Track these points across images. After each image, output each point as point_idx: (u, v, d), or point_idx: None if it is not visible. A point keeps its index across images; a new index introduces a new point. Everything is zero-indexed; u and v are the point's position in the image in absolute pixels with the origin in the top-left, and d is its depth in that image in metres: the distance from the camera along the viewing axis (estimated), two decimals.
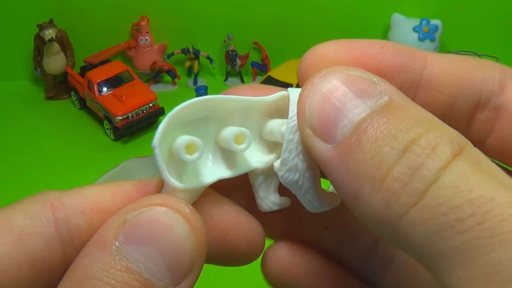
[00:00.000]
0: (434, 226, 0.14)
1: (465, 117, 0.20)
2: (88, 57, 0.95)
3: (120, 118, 0.83)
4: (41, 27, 0.90)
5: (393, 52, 0.20)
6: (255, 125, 0.21)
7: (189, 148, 0.18)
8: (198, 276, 0.18)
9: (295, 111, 0.19)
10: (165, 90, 0.98)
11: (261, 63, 0.99)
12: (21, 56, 0.99)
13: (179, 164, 0.19)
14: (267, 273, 0.23)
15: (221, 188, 0.21)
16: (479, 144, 0.20)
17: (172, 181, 0.18)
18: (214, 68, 1.00)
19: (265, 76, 0.92)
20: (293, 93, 0.20)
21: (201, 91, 0.87)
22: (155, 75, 0.99)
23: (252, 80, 1.00)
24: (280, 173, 0.20)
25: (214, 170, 0.20)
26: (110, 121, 0.84)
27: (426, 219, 0.15)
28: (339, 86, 0.17)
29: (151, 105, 0.85)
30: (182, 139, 0.18)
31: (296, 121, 0.19)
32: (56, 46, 0.92)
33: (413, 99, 0.19)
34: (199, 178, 0.20)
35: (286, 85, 0.87)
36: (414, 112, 0.16)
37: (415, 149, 0.15)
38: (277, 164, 0.20)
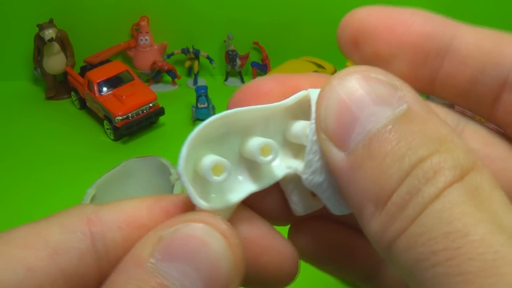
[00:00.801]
0: (415, 255, 0.14)
1: (490, 95, 0.19)
2: (88, 57, 0.95)
3: (120, 118, 0.83)
4: (41, 27, 0.90)
5: (423, 19, 0.19)
6: (279, 130, 0.20)
7: (216, 169, 0.18)
8: None
9: None
10: (165, 90, 0.98)
11: (261, 63, 0.99)
12: (21, 56, 0.99)
13: (206, 183, 0.19)
14: (296, 244, 0.23)
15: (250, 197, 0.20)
16: (506, 126, 0.20)
17: (202, 203, 0.18)
18: (214, 68, 1.00)
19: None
20: (314, 93, 0.19)
21: (201, 91, 0.87)
22: (155, 75, 0.99)
23: None
24: (304, 176, 0.19)
25: (242, 186, 0.20)
26: (110, 121, 0.84)
27: (410, 247, 0.14)
28: (357, 90, 0.16)
29: (151, 105, 0.85)
30: (208, 161, 0.18)
31: None
32: (56, 46, 0.92)
33: (438, 69, 0.19)
34: (228, 195, 0.19)
35: None
36: (429, 126, 0.16)
37: (418, 172, 0.15)
38: (300, 167, 0.19)
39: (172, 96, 0.96)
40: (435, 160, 0.15)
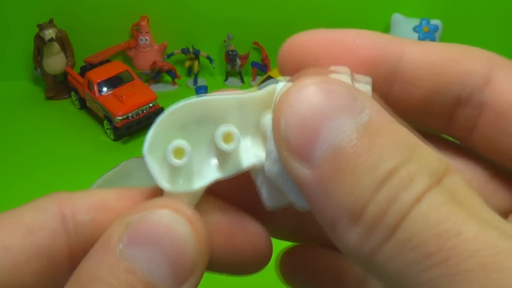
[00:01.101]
0: (405, 261, 0.14)
1: (445, 113, 0.19)
2: (88, 57, 0.95)
3: (120, 118, 0.83)
4: (41, 27, 0.90)
5: (366, 44, 0.19)
6: (253, 120, 0.20)
7: (178, 152, 0.18)
8: (201, 277, 0.18)
9: None
10: (165, 90, 0.98)
11: (261, 63, 0.99)
12: (21, 56, 0.99)
13: (175, 168, 0.19)
14: (285, 276, 0.24)
15: (227, 190, 0.20)
16: (462, 139, 0.20)
17: (165, 185, 0.18)
18: (214, 68, 1.00)
19: (265, 76, 0.91)
20: (281, 85, 0.19)
21: (201, 91, 0.87)
22: (155, 75, 0.99)
23: (252, 80, 1.00)
24: (265, 167, 0.19)
25: (210, 173, 0.20)
26: (110, 121, 0.84)
27: (398, 253, 0.14)
28: (316, 103, 0.16)
29: (151, 105, 0.85)
30: (171, 145, 0.18)
31: None
32: (56, 46, 0.92)
33: (388, 93, 0.19)
34: (195, 181, 0.19)
35: None
36: (396, 136, 0.16)
37: (393, 181, 0.15)
38: (263, 157, 0.19)
39: (172, 96, 0.96)
40: (410, 168, 0.15)
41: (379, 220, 0.15)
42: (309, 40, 0.19)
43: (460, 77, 0.18)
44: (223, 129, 0.19)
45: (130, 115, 0.83)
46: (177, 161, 0.18)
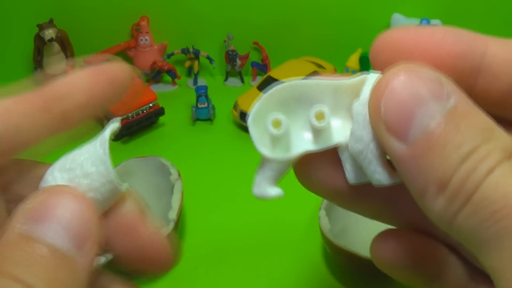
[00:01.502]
0: (478, 218, 0.17)
1: None
2: (88, 57, 0.95)
3: (120, 118, 0.82)
4: (41, 27, 0.90)
5: (453, 39, 0.21)
6: (344, 104, 0.23)
7: (276, 123, 0.21)
8: (97, 242, 0.21)
9: (367, 90, 0.21)
10: (165, 90, 0.98)
11: (261, 63, 0.99)
12: (21, 56, 0.99)
13: (274, 138, 0.22)
14: (378, 261, 0.25)
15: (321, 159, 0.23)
16: None
17: (263, 150, 0.21)
18: (214, 68, 1.00)
19: (265, 76, 0.91)
20: (372, 77, 0.22)
21: (201, 91, 0.87)
22: (155, 75, 0.99)
23: (252, 80, 1.00)
24: (349, 143, 0.22)
25: (302, 144, 0.22)
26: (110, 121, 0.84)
27: (473, 213, 0.18)
28: (412, 87, 0.19)
29: (151, 105, 0.85)
30: (270, 116, 0.21)
31: (366, 98, 0.21)
32: (56, 46, 0.92)
33: (473, 85, 0.22)
34: (289, 150, 0.22)
35: None
36: (477, 119, 0.19)
37: (473, 156, 0.18)
38: (347, 135, 0.22)
39: (172, 96, 0.96)
40: (488, 146, 0.18)
41: (460, 187, 0.18)
42: (400, 36, 0.22)
43: None
44: (316, 108, 0.22)
45: (130, 115, 0.83)
46: (274, 131, 0.21)
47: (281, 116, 0.21)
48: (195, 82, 0.99)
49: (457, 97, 0.19)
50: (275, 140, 0.22)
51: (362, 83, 0.22)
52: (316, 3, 0.97)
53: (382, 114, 0.19)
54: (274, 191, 0.22)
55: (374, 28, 1.00)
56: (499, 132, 0.19)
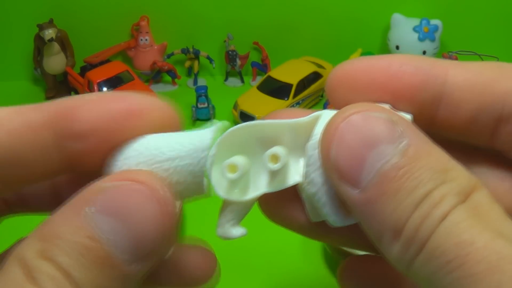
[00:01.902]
0: (433, 267, 0.17)
1: (488, 130, 0.20)
2: (88, 57, 0.95)
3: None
4: (41, 27, 0.90)
5: (412, 70, 0.20)
6: (302, 142, 0.22)
7: (232, 168, 0.21)
8: (160, 258, 0.19)
9: (319, 130, 0.20)
10: (165, 90, 0.98)
11: (261, 63, 0.99)
12: (21, 56, 0.99)
13: (231, 181, 0.21)
14: (344, 284, 0.25)
15: (287, 198, 0.22)
16: (505, 152, 0.21)
17: (220, 192, 0.21)
18: (214, 68, 1.00)
19: (265, 76, 0.91)
20: (326, 114, 0.21)
21: (201, 91, 0.87)
22: (155, 75, 0.99)
23: (252, 80, 1.00)
24: (302, 186, 0.21)
25: (260, 186, 0.22)
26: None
27: (428, 261, 0.17)
28: (362, 132, 0.18)
29: None
30: (227, 161, 0.21)
31: (317, 138, 0.20)
32: (56, 46, 0.92)
33: (435, 115, 0.21)
34: (248, 192, 0.22)
35: (286, 85, 0.87)
36: (432, 160, 0.18)
37: (427, 201, 0.17)
38: (301, 177, 0.21)
39: (172, 96, 0.96)
40: (442, 189, 0.17)
41: (414, 235, 0.17)
42: (355, 70, 0.21)
43: (501, 95, 0.20)
44: (270, 150, 0.21)
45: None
46: (230, 175, 0.21)
47: (239, 159, 0.21)
48: (195, 82, 0.99)
49: (410, 137, 0.18)
50: (233, 183, 0.21)
51: (314, 121, 0.21)
52: (316, 3, 0.97)
53: (332, 160, 0.19)
54: (237, 231, 0.21)
55: (374, 28, 1.00)
56: (456, 171, 0.18)
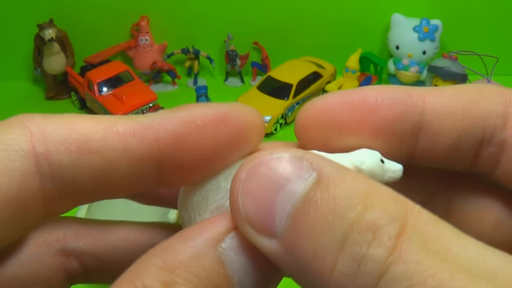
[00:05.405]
0: None
1: (469, 155, 0.20)
2: (88, 57, 0.95)
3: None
4: (41, 27, 0.90)
5: (388, 102, 0.19)
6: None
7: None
8: None
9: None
10: (165, 90, 0.98)
11: (261, 63, 0.99)
12: (21, 56, 0.99)
13: None
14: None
15: None
16: (486, 175, 0.20)
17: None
18: (214, 68, 1.00)
19: (265, 76, 0.91)
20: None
21: (201, 91, 0.87)
22: (155, 75, 0.99)
23: (252, 80, 1.00)
24: None
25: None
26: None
27: None
28: (266, 177, 0.16)
29: (151, 105, 0.85)
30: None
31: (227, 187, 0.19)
32: (56, 46, 0.92)
33: (415, 146, 0.19)
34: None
35: (286, 85, 0.87)
36: (346, 186, 0.15)
37: (355, 237, 0.14)
38: None
39: (172, 96, 0.96)
40: (368, 218, 0.14)
41: (351, 280, 0.14)
42: (330, 106, 0.19)
43: (481, 120, 0.19)
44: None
45: (130, 115, 0.83)
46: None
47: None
48: (195, 82, 0.99)
49: (319, 168, 0.16)
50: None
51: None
52: (316, 3, 0.97)
53: (242, 214, 0.16)
54: None
55: (374, 28, 1.00)
56: (377, 192, 0.15)
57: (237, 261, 0.16)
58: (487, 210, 0.20)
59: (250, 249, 0.16)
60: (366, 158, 0.18)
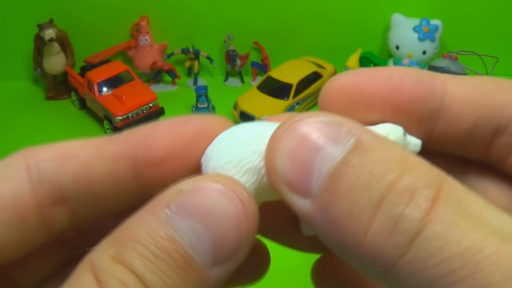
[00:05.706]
0: (427, 277, 0.15)
1: (484, 142, 0.20)
2: (88, 57, 0.95)
3: (120, 118, 0.83)
4: (41, 27, 0.90)
5: (412, 82, 0.20)
6: None
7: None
8: (240, 262, 0.18)
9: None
10: (165, 90, 0.98)
11: (261, 63, 0.99)
12: (21, 56, 0.99)
13: None
14: (317, 284, 0.24)
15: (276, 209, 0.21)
16: (498, 164, 0.21)
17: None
18: (214, 68, 1.00)
19: (265, 76, 0.91)
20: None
21: (201, 91, 0.87)
22: (155, 75, 0.99)
23: (252, 80, 1.00)
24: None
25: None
26: (110, 121, 0.84)
27: (418, 269, 0.15)
28: (305, 138, 0.17)
29: (151, 105, 0.85)
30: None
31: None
32: (56, 46, 0.92)
33: (432, 129, 0.20)
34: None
35: (286, 85, 0.87)
36: (384, 152, 0.16)
37: (393, 198, 0.15)
38: None
39: (172, 96, 0.96)
40: (407, 180, 0.15)
41: (387, 238, 0.15)
42: (356, 81, 0.20)
43: (498, 109, 0.20)
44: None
45: (130, 115, 0.83)
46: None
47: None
48: (195, 82, 0.99)
49: (358, 135, 0.16)
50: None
51: None
52: (316, 3, 0.97)
53: (279, 173, 0.17)
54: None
55: (374, 28, 1.00)
56: (414, 160, 0.16)
57: (184, 224, 0.16)
58: (497, 200, 0.21)
59: (197, 212, 0.17)
60: (392, 130, 0.19)
